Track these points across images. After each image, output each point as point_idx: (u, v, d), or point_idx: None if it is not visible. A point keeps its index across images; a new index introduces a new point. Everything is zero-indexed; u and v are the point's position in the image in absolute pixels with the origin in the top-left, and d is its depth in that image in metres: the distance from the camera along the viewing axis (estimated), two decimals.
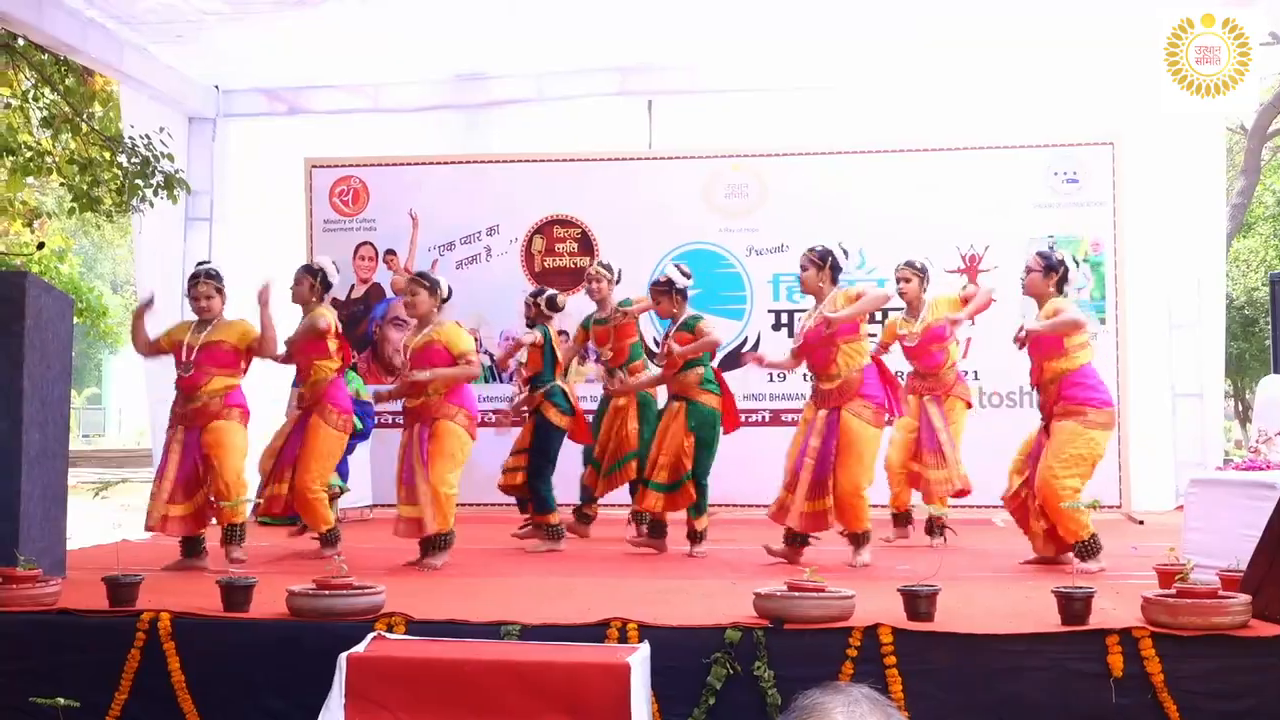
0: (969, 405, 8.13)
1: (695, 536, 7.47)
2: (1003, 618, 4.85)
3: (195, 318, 7.22)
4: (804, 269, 7.04)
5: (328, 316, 7.28)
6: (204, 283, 7.10)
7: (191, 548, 7.01)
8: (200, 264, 7.53)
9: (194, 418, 7.00)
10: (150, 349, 7.27)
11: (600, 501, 8.57)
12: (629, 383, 8.06)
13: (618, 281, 8.43)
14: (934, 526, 7.91)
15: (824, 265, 7.00)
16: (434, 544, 6.87)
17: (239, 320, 7.19)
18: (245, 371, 7.20)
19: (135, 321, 7.32)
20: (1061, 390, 6.64)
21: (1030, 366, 6.84)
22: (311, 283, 7.45)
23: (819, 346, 6.93)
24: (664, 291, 7.51)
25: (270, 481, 7.27)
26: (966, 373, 8.69)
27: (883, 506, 7.97)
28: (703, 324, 7.42)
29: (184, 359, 7.02)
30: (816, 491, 6.79)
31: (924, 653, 4.54)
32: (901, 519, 8.12)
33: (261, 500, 7.31)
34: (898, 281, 8.04)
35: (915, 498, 8.16)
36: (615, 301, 8.31)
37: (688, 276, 7.57)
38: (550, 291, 8.35)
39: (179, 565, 6.90)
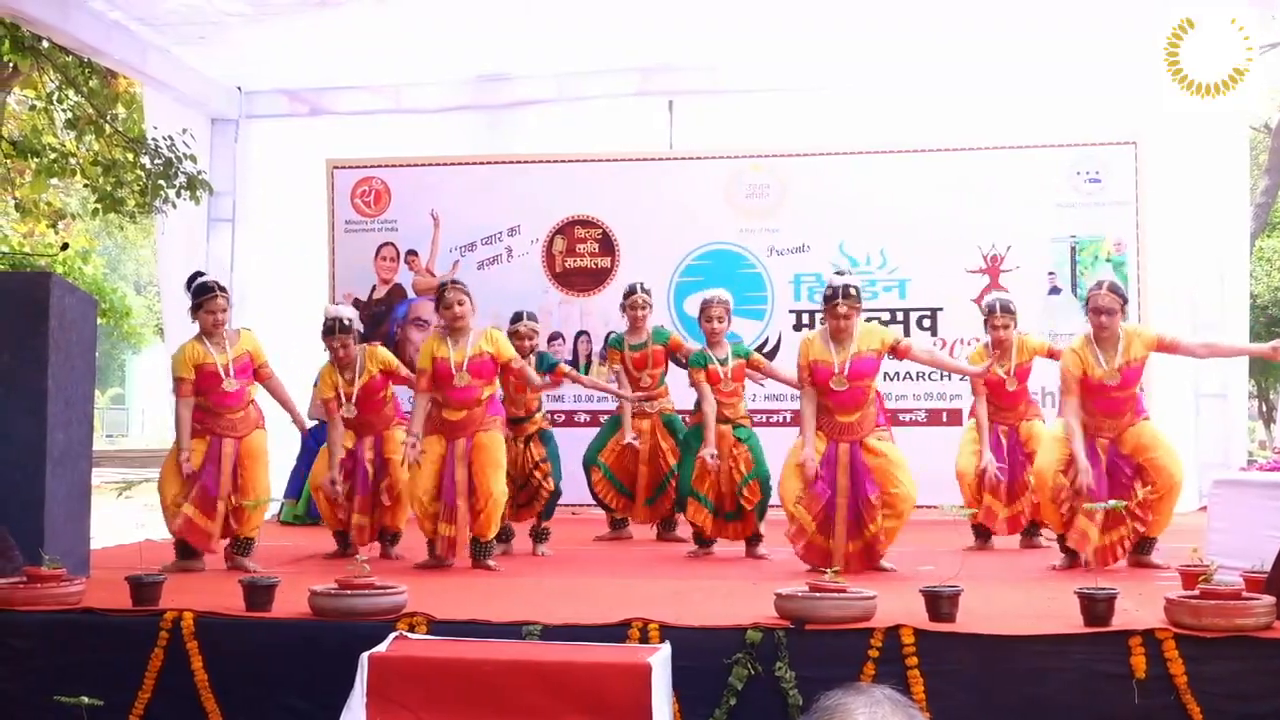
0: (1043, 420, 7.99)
1: (755, 538, 7.43)
2: (1025, 619, 4.84)
3: (195, 335, 7.12)
4: (848, 318, 6.61)
5: (390, 361, 7.46)
6: (220, 296, 7.06)
7: (190, 550, 6.95)
8: (197, 275, 7.34)
9: (236, 427, 7.01)
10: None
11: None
12: (710, 426, 7.45)
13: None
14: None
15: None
16: (490, 547, 6.94)
17: (248, 332, 7.20)
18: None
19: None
20: (1138, 406, 6.78)
21: (1111, 404, 6.65)
22: (357, 340, 7.46)
23: (856, 385, 6.67)
24: (727, 309, 7.52)
25: (355, 512, 7.42)
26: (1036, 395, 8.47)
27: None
28: (756, 358, 7.59)
29: (227, 376, 6.96)
30: (856, 530, 6.58)
31: (946, 654, 4.52)
32: (982, 532, 7.83)
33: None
34: (995, 329, 7.75)
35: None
36: (650, 328, 8.32)
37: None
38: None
39: (175, 567, 6.74)
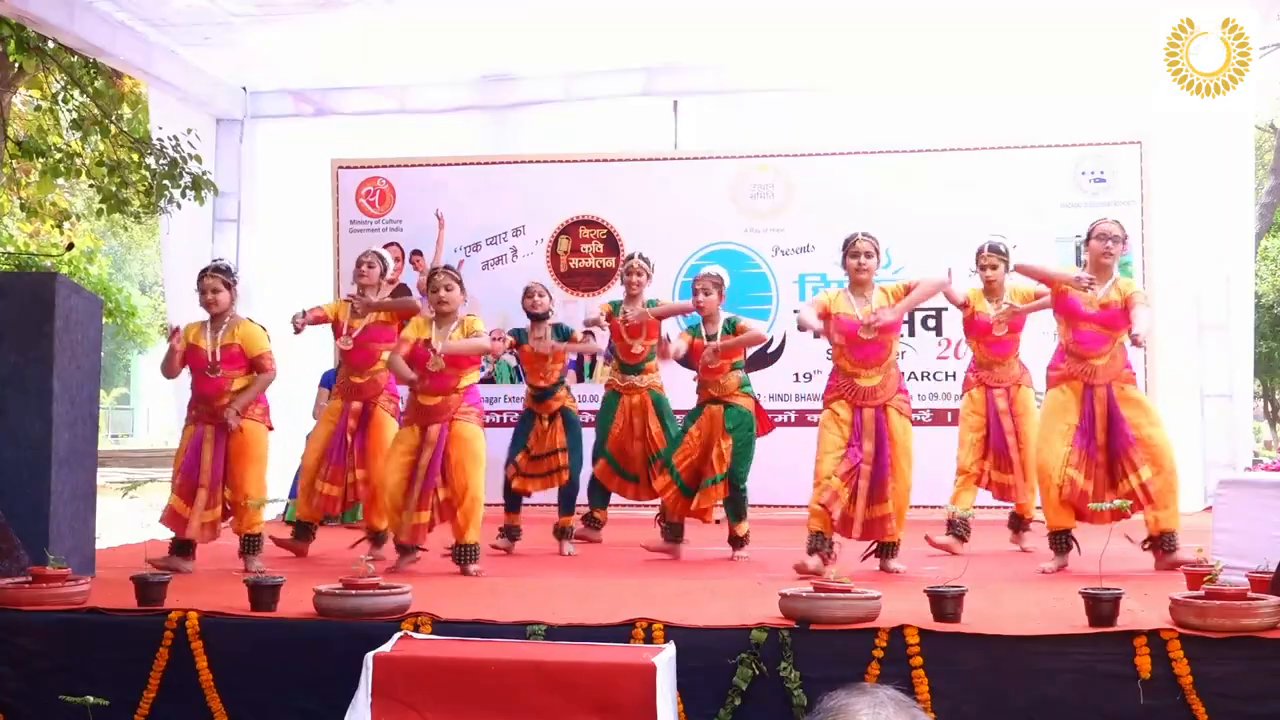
0: (1037, 394, 7.80)
1: (737, 541, 7.41)
2: (1030, 619, 4.84)
3: (203, 318, 7.12)
4: (869, 255, 6.68)
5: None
6: (210, 277, 7.03)
7: (185, 547, 6.93)
8: (215, 260, 7.50)
9: (218, 416, 6.93)
10: (177, 371, 7.23)
11: (614, 502, 8.56)
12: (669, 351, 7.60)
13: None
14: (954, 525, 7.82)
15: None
16: (473, 553, 6.73)
17: (247, 322, 7.11)
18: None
19: (171, 353, 7.20)
20: (1125, 359, 6.71)
21: (1091, 336, 6.65)
22: (383, 269, 7.67)
23: (881, 338, 6.60)
24: (718, 284, 7.40)
25: (322, 480, 7.42)
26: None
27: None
28: (744, 322, 7.41)
29: (209, 362, 6.96)
30: (876, 496, 6.52)
31: (950, 654, 4.52)
32: (954, 527, 7.59)
33: (308, 503, 7.50)
34: (982, 269, 7.76)
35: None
36: (645, 299, 8.28)
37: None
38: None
39: (161, 562, 6.67)
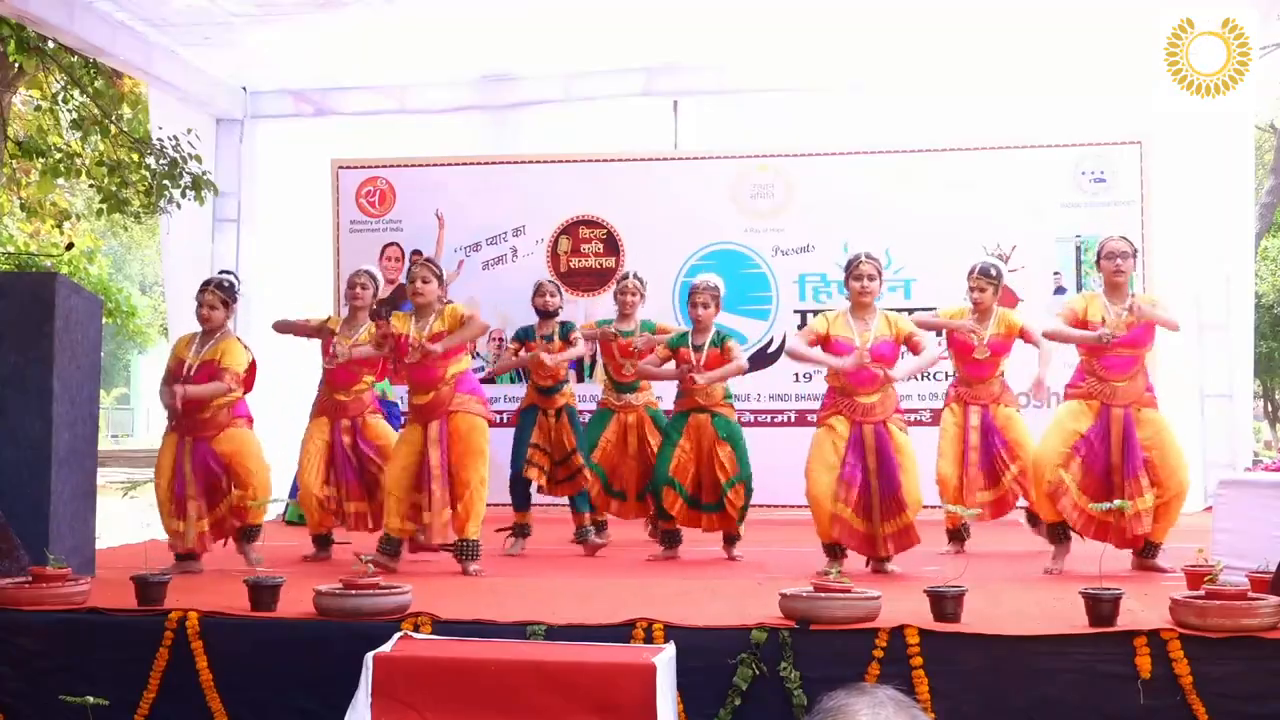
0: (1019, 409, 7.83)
1: (732, 540, 7.41)
2: (1030, 619, 4.84)
3: (197, 330, 7.06)
4: (872, 278, 6.65)
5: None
6: (210, 292, 6.96)
7: (190, 552, 6.89)
8: (222, 272, 7.44)
9: (201, 428, 6.86)
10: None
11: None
12: (710, 377, 7.47)
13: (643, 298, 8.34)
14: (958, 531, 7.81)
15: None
16: (473, 550, 6.69)
17: (235, 340, 7.01)
18: (245, 390, 7.05)
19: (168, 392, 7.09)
20: (1147, 381, 6.68)
21: (1118, 361, 6.59)
22: (376, 290, 7.59)
23: (881, 365, 6.58)
24: (715, 297, 7.39)
25: (348, 501, 7.42)
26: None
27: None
28: (732, 344, 7.36)
29: (183, 377, 6.85)
30: (893, 510, 6.51)
31: (950, 654, 4.53)
32: (957, 534, 7.68)
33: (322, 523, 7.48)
34: (971, 291, 7.68)
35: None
36: (640, 318, 8.23)
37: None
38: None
39: (175, 569, 6.57)
